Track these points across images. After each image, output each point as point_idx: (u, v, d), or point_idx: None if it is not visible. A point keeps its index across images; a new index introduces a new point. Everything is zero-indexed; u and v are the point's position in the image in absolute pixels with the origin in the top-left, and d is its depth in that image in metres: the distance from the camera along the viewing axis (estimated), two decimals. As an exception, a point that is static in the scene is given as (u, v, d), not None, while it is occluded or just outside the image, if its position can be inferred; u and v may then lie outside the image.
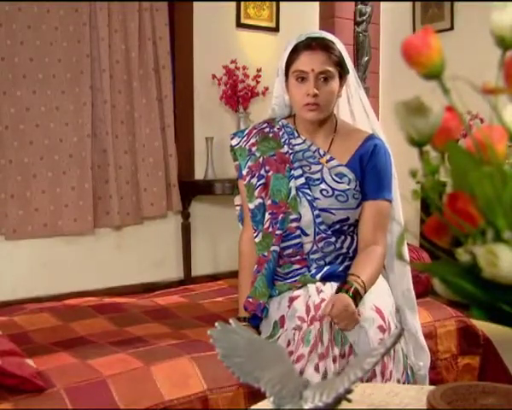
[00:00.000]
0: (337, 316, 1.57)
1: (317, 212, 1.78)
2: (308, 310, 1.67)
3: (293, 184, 1.80)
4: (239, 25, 3.90)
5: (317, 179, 1.80)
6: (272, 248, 1.80)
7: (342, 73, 1.79)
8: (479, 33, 3.18)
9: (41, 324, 1.97)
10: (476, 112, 3.31)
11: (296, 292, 1.77)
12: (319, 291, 1.72)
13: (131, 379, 1.51)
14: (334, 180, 1.79)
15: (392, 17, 4.35)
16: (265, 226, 1.82)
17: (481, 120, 3.39)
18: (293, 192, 1.80)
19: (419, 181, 0.68)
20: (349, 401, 0.84)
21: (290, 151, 1.84)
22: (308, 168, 1.82)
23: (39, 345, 1.76)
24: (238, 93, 3.68)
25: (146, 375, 1.53)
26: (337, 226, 1.79)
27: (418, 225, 3.31)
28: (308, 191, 1.79)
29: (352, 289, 1.65)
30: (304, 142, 1.85)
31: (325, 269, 1.79)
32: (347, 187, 1.78)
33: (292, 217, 1.79)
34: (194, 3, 3.72)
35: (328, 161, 1.81)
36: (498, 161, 0.63)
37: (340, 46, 1.81)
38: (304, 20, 4.12)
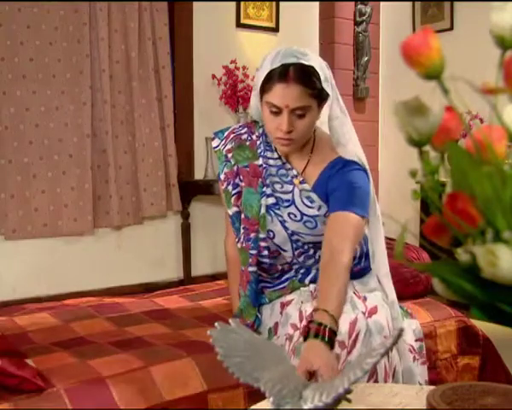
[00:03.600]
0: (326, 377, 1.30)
1: (290, 231, 1.71)
2: (301, 316, 1.61)
3: (264, 202, 1.71)
4: (239, 25, 3.91)
5: (287, 201, 1.72)
6: (250, 268, 1.73)
7: (321, 100, 1.64)
8: (478, 33, 3.18)
9: (41, 324, 1.97)
10: (476, 112, 3.31)
11: (288, 297, 1.74)
12: (314, 297, 1.67)
13: (131, 379, 1.51)
14: (304, 204, 1.70)
15: (392, 17, 4.35)
16: (240, 241, 1.76)
17: (481, 120, 3.39)
18: (263, 211, 1.71)
19: (419, 181, 0.68)
20: (349, 401, 0.84)
21: (264, 165, 1.74)
22: (280, 186, 1.73)
23: (39, 345, 1.76)
24: (238, 93, 3.69)
25: (146, 375, 1.53)
26: (314, 240, 1.71)
27: (418, 225, 3.31)
28: (279, 212, 1.71)
29: (327, 331, 1.36)
30: (279, 158, 1.75)
31: (312, 274, 1.75)
32: (317, 213, 1.69)
33: (261, 236, 1.71)
34: (194, 3, 3.72)
35: (300, 183, 1.72)
36: (498, 161, 0.63)
37: (320, 68, 1.60)
38: (304, 20, 4.12)
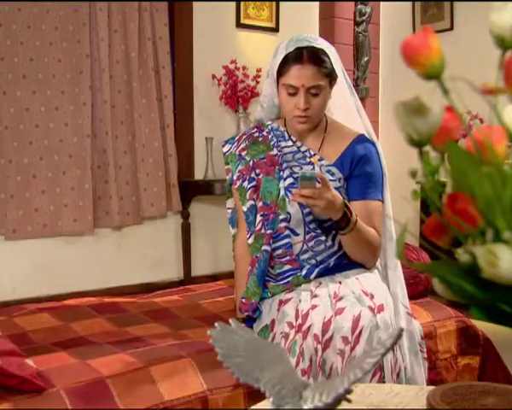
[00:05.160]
0: (322, 198, 1.60)
1: (306, 210, 1.77)
2: (297, 315, 1.64)
3: (282, 185, 1.81)
4: (239, 25, 3.90)
5: None
6: (263, 247, 1.80)
7: (332, 79, 1.79)
8: (478, 33, 3.18)
9: (41, 324, 1.97)
10: (476, 112, 3.31)
11: (287, 295, 1.76)
12: (313, 296, 1.69)
13: (131, 379, 1.51)
14: None
15: (392, 17, 4.34)
16: (257, 228, 1.83)
17: (481, 120, 3.39)
18: (282, 193, 1.80)
19: (419, 181, 0.68)
20: (349, 401, 0.84)
21: (279, 153, 1.85)
22: (299, 169, 1.82)
23: (39, 345, 1.76)
24: (238, 93, 3.68)
25: (146, 375, 1.53)
26: (328, 223, 1.77)
27: (418, 225, 3.31)
28: (298, 190, 1.78)
29: (350, 217, 1.68)
30: (294, 144, 1.86)
31: (317, 270, 1.78)
32: (338, 184, 1.79)
33: (281, 217, 1.80)
34: (194, 3, 3.72)
35: (319, 160, 1.83)
36: (498, 161, 0.63)
37: (329, 51, 1.79)
38: (304, 21, 4.12)
